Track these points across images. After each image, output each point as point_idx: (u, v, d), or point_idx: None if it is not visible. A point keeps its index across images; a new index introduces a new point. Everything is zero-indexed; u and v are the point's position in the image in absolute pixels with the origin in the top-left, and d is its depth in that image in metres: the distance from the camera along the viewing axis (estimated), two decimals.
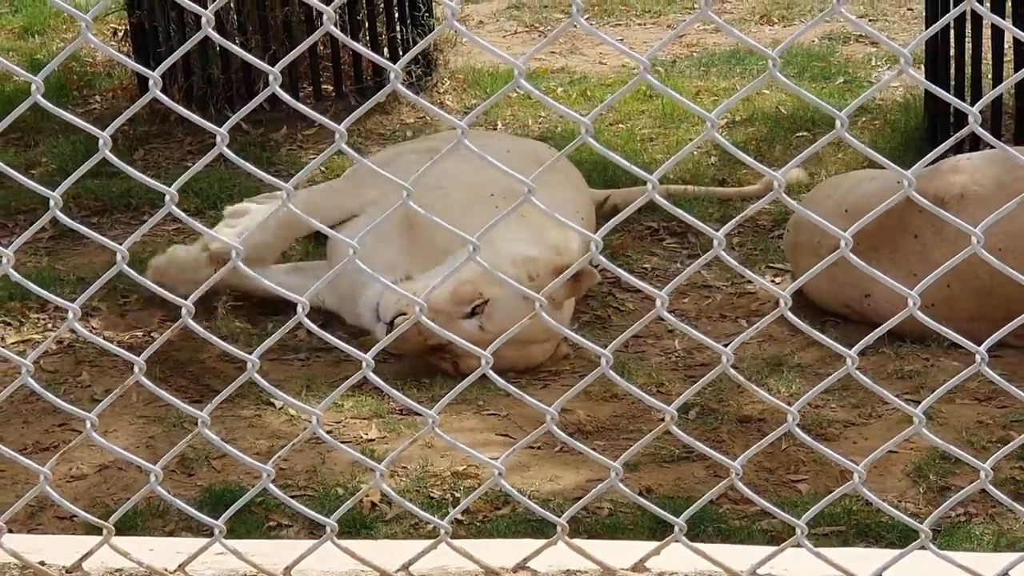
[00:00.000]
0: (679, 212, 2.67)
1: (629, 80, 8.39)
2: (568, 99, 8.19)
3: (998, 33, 6.87)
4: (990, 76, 6.95)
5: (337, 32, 2.65)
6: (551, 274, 5.22)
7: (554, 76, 8.65)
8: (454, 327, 5.04)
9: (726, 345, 2.69)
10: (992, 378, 2.68)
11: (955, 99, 2.73)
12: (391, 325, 5.16)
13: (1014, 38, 6.75)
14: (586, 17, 9.88)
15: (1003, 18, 6.78)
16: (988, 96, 2.62)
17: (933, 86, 2.70)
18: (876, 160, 2.68)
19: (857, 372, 2.64)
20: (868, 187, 5.60)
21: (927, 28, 7.24)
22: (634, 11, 10.03)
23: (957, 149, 5.99)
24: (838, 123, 2.53)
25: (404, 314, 5.10)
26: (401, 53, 8.08)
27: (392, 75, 2.60)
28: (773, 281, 5.97)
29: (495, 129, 7.66)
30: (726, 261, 2.61)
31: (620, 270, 2.78)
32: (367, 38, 8.05)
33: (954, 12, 2.70)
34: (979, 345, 2.68)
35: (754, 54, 8.66)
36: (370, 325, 5.39)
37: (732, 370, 2.63)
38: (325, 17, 2.58)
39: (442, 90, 8.23)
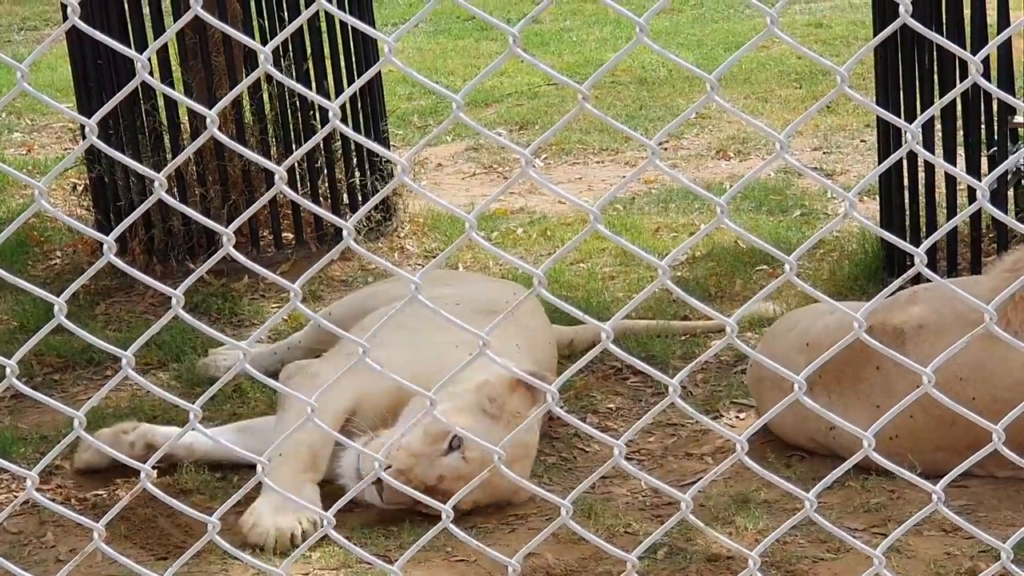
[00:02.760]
0: (633, 360, 2.69)
1: (588, 220, 8.43)
2: (528, 240, 8.24)
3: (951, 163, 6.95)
4: (944, 206, 7.02)
5: (289, 192, 2.67)
6: (507, 390, 5.34)
7: (514, 217, 8.69)
8: (438, 466, 5.14)
9: (688, 486, 2.70)
10: (950, 517, 2.69)
11: (901, 241, 2.76)
12: (379, 481, 5.16)
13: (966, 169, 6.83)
14: (544, 156, 9.97)
15: (955, 145, 6.87)
16: (932, 238, 2.66)
17: (880, 229, 2.73)
18: (824, 301, 2.71)
19: (816, 515, 2.65)
20: (828, 320, 5.64)
21: (879, 160, 7.32)
22: (591, 149, 10.12)
23: (916, 279, 6.04)
24: (787, 267, 2.56)
25: (390, 466, 5.11)
26: (360, 199, 8.12)
27: (345, 232, 2.62)
28: (737, 417, 5.97)
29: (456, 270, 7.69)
30: (681, 407, 2.62)
31: (577, 421, 2.79)
32: (326, 184, 8.09)
33: (896, 154, 2.74)
34: (943, 476, 2.69)
35: (712, 188, 8.75)
36: (352, 485, 5.34)
37: (691, 516, 2.64)
38: (277, 177, 2.61)
39: (402, 234, 8.26)
